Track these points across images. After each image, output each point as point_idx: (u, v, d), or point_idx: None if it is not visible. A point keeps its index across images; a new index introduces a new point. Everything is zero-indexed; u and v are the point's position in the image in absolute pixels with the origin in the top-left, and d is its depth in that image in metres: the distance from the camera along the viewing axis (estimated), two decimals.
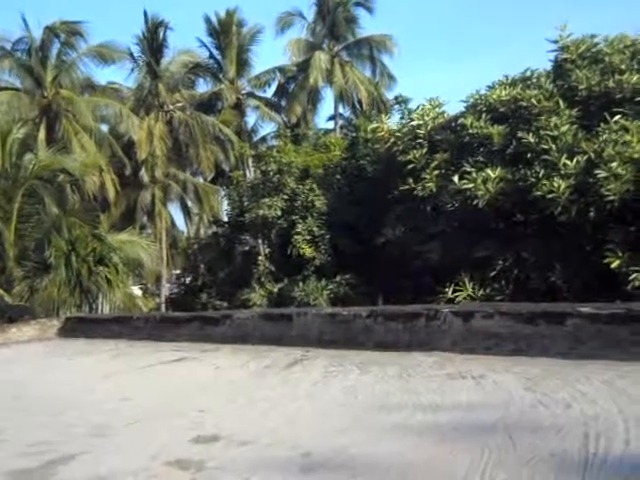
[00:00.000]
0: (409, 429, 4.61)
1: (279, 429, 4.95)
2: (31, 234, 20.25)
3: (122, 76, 44.34)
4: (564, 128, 14.56)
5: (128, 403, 6.57)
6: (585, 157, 13.96)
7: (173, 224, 39.59)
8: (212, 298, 23.70)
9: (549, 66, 16.69)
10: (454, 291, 15.10)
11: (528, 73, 16.56)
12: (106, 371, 9.03)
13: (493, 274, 15.17)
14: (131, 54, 36.44)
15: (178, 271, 35.60)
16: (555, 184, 13.71)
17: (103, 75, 52.45)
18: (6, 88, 33.29)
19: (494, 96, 16.11)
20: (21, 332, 14.30)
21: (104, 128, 36.10)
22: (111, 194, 32.42)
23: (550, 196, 13.74)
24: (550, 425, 4.31)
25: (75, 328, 14.28)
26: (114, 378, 8.36)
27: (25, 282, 18.89)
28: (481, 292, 14.91)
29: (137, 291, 33.67)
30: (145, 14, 35.79)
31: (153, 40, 35.96)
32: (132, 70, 37.00)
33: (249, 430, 4.98)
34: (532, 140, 14.70)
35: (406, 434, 4.51)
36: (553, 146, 14.33)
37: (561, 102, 15.18)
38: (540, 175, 14.14)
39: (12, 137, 21.43)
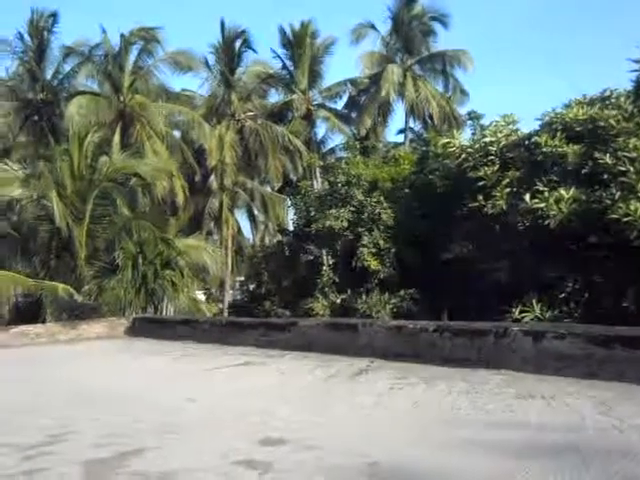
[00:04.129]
0: (478, 445, 4.55)
1: (346, 437, 4.96)
2: (102, 235, 20.80)
3: (195, 83, 45.27)
4: None
5: (195, 403, 6.68)
6: None
7: (239, 231, 40.00)
8: (275, 306, 23.85)
9: (629, 86, 16.32)
10: (521, 312, 14.81)
11: (607, 93, 16.21)
12: (173, 371, 9.21)
13: (562, 296, 14.86)
14: (206, 62, 37.11)
15: (242, 278, 35.98)
16: (632, 207, 13.34)
17: (176, 82, 53.55)
18: (84, 92, 34.28)
19: (570, 115, 15.83)
20: (91, 329, 14.70)
21: (176, 134, 36.79)
22: (180, 199, 32.92)
23: (626, 219, 13.37)
24: (625, 450, 4.19)
25: (142, 328, 14.60)
26: (181, 379, 8.51)
27: (94, 281, 19.40)
28: (549, 314, 14.57)
29: (201, 296, 34.14)
30: (222, 24, 36.41)
31: (229, 50, 36.53)
32: (206, 79, 37.68)
33: (316, 436, 5.00)
34: (609, 161, 14.36)
35: (475, 450, 4.46)
36: (631, 168, 13.97)
37: None
38: (616, 197, 13.79)
39: (88, 140, 22.07)
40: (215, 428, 5.51)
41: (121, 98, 33.61)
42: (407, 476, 4.02)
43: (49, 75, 35.79)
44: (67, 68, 35.76)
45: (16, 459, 4.78)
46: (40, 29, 34.54)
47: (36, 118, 35.15)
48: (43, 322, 17.42)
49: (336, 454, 4.51)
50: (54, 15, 34.42)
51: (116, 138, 31.80)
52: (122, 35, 33.71)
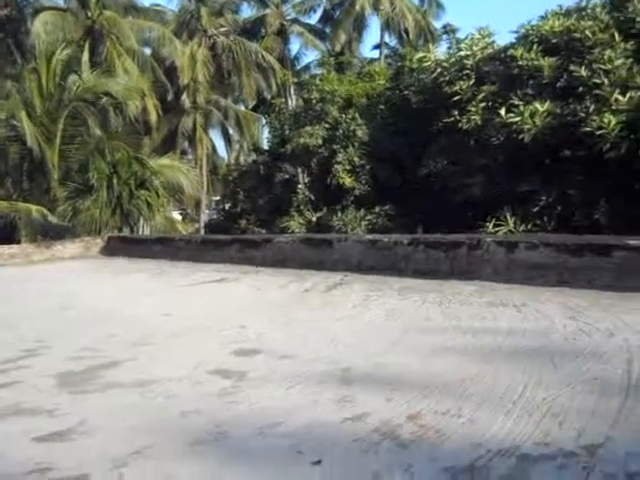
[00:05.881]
0: (449, 350, 4.63)
1: (319, 346, 5.01)
2: (74, 155, 20.49)
3: None
4: (618, 62, 14.09)
5: (170, 318, 6.71)
6: (639, 93, 13.52)
7: (214, 150, 39.58)
8: (251, 225, 23.88)
9: None
10: (495, 226, 14.95)
11: (583, 3, 15.98)
12: (148, 288, 9.23)
13: (536, 210, 14.97)
14: None
15: (218, 197, 35.85)
16: (605, 120, 13.35)
17: None
18: (50, 8, 33.05)
19: (546, 27, 15.62)
20: (65, 249, 14.65)
21: (147, 51, 35.77)
22: (153, 119, 32.32)
23: (599, 132, 13.40)
24: (592, 352, 4.28)
25: (117, 247, 14.57)
26: (156, 295, 8.54)
27: (68, 202, 19.22)
28: (523, 227, 14.74)
29: (177, 216, 34.06)
30: None
31: None
32: None
33: (289, 346, 5.06)
34: (584, 74, 14.25)
35: (446, 355, 4.53)
36: (605, 80, 13.91)
37: (617, 35, 14.65)
38: (590, 110, 13.77)
39: (56, 58, 21.43)
40: (190, 341, 5.56)
41: (89, 14, 32.43)
42: (379, 379, 4.07)
43: None
44: None
45: None
46: None
47: (1, 36, 33.92)
48: (18, 244, 17.30)
49: (309, 362, 4.56)
50: None
51: (85, 56, 30.73)
52: None
